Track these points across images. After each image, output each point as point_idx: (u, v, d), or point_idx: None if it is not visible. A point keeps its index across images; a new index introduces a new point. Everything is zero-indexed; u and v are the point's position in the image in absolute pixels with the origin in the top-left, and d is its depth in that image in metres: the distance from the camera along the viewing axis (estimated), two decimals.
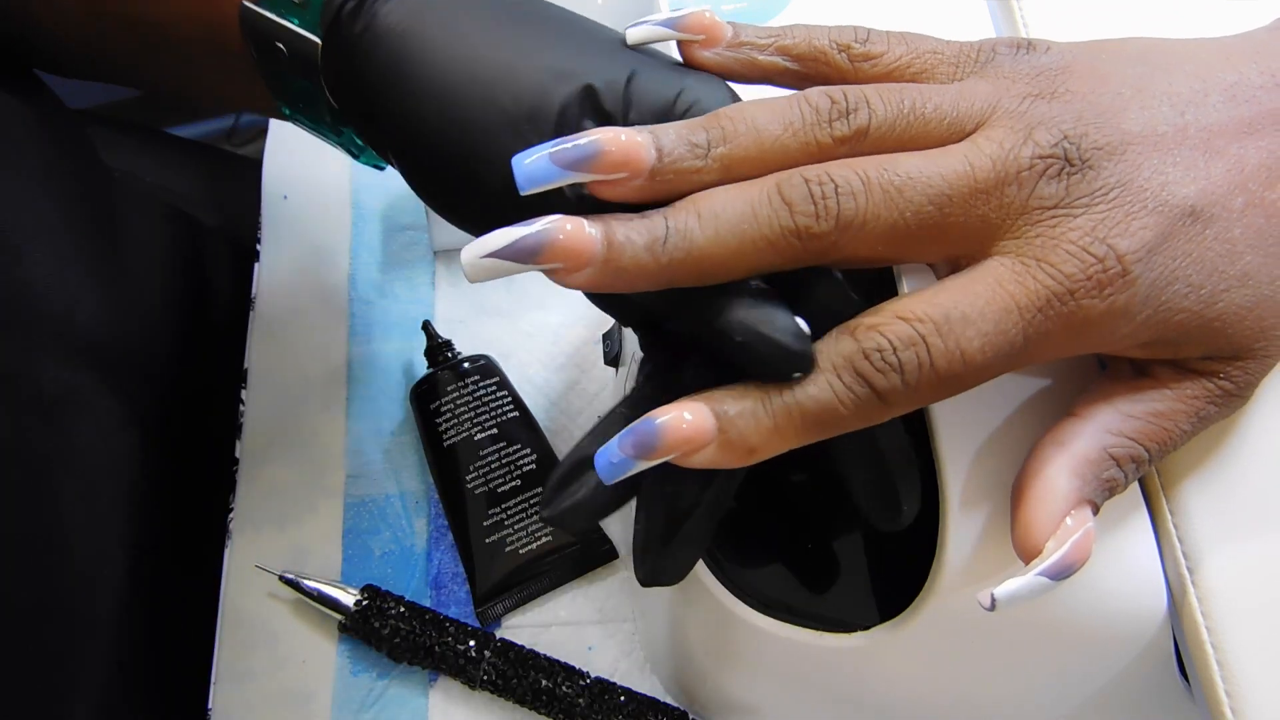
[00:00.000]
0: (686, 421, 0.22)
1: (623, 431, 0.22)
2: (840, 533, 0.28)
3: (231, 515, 0.41)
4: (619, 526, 0.41)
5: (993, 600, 0.21)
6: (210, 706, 0.38)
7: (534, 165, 0.22)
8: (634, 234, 0.22)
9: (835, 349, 0.22)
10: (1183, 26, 0.33)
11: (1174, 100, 0.24)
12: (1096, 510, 0.23)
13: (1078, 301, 0.21)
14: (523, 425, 0.42)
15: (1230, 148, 0.23)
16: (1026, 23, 0.34)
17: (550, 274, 0.22)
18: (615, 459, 0.22)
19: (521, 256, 0.22)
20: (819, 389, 0.21)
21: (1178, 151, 0.23)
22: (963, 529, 0.25)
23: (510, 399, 0.42)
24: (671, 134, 0.23)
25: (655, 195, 0.23)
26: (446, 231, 0.46)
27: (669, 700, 0.37)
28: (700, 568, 0.28)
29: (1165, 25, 0.33)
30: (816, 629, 0.27)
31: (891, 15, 0.58)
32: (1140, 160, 0.23)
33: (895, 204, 0.22)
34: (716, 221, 0.22)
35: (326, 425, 0.44)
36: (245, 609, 0.39)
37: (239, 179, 0.55)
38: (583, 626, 0.39)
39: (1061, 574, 0.22)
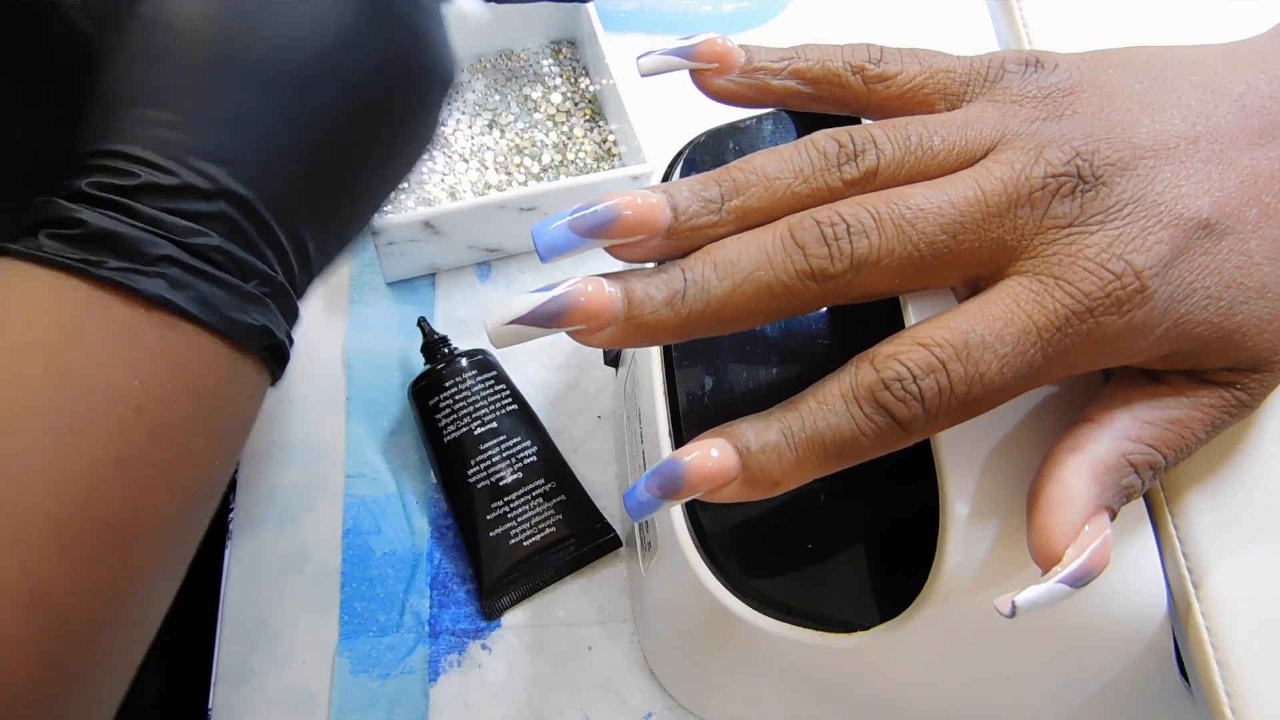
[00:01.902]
0: (712, 460, 0.22)
1: (648, 472, 0.23)
2: (840, 533, 0.28)
3: (231, 515, 0.41)
4: (621, 523, 0.41)
5: (1013, 607, 0.21)
6: (210, 706, 0.38)
7: (554, 234, 0.23)
8: (653, 290, 0.22)
9: (856, 379, 0.22)
10: (1183, 26, 0.33)
11: (1184, 112, 0.24)
12: (1114, 516, 0.23)
13: (1096, 319, 0.21)
14: (522, 418, 0.42)
15: (1242, 159, 0.23)
16: (1027, 23, 0.33)
17: (573, 335, 0.23)
18: (643, 498, 0.23)
19: (545, 321, 0.22)
20: (841, 420, 0.22)
21: (1190, 164, 0.23)
22: (963, 529, 0.25)
23: (509, 392, 0.42)
24: (685, 191, 0.23)
25: (673, 253, 0.23)
26: (397, 265, 0.47)
27: (670, 700, 0.37)
28: (700, 567, 0.28)
29: (1165, 25, 0.33)
30: (816, 629, 0.27)
31: (891, 15, 0.58)
32: (1153, 174, 0.23)
33: (908, 237, 0.22)
34: (733, 270, 0.22)
35: (326, 425, 0.44)
36: (245, 609, 0.39)
37: None
38: (583, 626, 0.39)
39: (1081, 581, 0.22)
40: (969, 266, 0.23)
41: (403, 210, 0.48)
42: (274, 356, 0.27)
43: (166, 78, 0.24)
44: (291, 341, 0.27)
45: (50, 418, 0.22)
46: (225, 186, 0.24)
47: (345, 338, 0.46)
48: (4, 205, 0.25)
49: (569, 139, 0.52)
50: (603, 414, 0.44)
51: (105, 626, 0.24)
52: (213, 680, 0.38)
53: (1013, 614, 0.21)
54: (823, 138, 0.24)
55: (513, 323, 0.22)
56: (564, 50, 0.56)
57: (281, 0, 0.25)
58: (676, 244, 0.23)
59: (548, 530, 0.39)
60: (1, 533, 0.22)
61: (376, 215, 0.31)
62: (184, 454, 0.25)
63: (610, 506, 0.41)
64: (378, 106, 0.27)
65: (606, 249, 0.23)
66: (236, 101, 0.24)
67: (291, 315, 0.27)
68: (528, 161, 0.51)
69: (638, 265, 0.26)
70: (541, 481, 0.40)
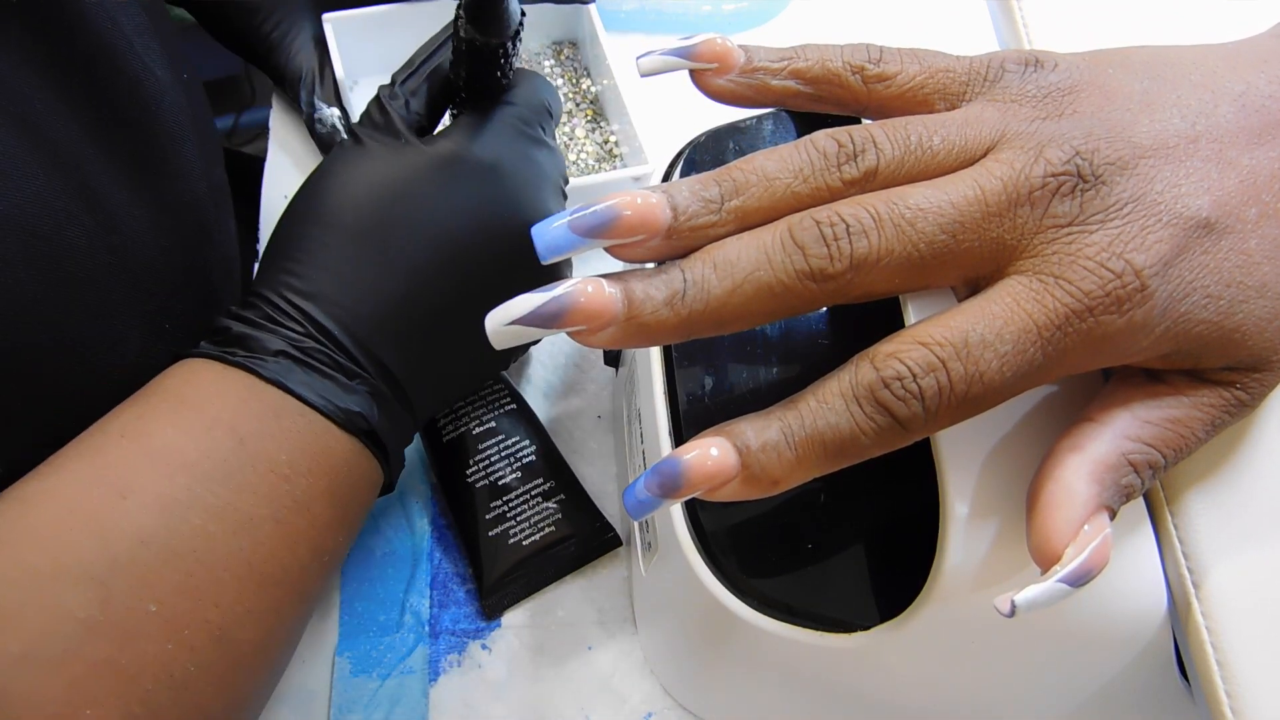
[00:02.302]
0: (711, 459, 0.22)
1: (648, 471, 0.23)
2: (840, 533, 0.28)
3: None
4: (621, 521, 0.41)
5: (1013, 607, 0.21)
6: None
7: (554, 234, 0.23)
8: (653, 290, 0.22)
9: (856, 378, 0.22)
10: (1183, 26, 0.33)
11: (1184, 111, 0.24)
12: (1113, 516, 0.23)
13: (1096, 318, 0.21)
14: (521, 417, 0.42)
15: (1242, 158, 0.23)
16: (1026, 23, 0.33)
17: (573, 335, 0.23)
18: (643, 497, 0.23)
19: (544, 322, 0.22)
20: (841, 419, 0.22)
21: (1190, 163, 0.23)
22: (963, 528, 0.25)
23: (507, 392, 0.42)
24: (685, 191, 0.23)
25: (673, 253, 0.23)
26: None
27: (670, 699, 0.37)
28: (700, 567, 0.28)
29: (1165, 25, 0.33)
30: (816, 629, 0.27)
31: (891, 15, 0.58)
32: (1153, 173, 0.23)
33: (908, 237, 0.22)
34: (733, 270, 0.22)
35: None
36: None
37: (239, 178, 0.55)
38: (583, 626, 0.39)
39: (1081, 580, 0.22)
40: (969, 266, 0.23)
41: None
42: (375, 445, 0.32)
43: (299, 238, 0.33)
44: (397, 451, 0.34)
45: (234, 480, 0.28)
46: (315, 318, 0.31)
47: None
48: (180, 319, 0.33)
49: (570, 140, 0.52)
50: (603, 414, 0.44)
51: (262, 664, 0.29)
52: None
53: (1012, 613, 0.21)
54: (822, 137, 0.24)
55: (513, 323, 0.22)
56: (565, 51, 0.56)
57: (390, 182, 0.33)
58: (676, 244, 0.23)
59: (547, 530, 0.39)
60: (204, 578, 0.26)
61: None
62: (318, 523, 0.30)
63: (610, 506, 0.41)
64: (463, 262, 0.33)
65: (606, 249, 0.23)
66: (343, 261, 0.32)
67: (393, 416, 0.33)
68: None
69: (638, 265, 0.26)
70: (541, 481, 0.40)
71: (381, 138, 0.34)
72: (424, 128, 0.36)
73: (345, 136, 0.35)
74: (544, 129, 0.37)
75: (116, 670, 0.24)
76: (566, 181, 0.39)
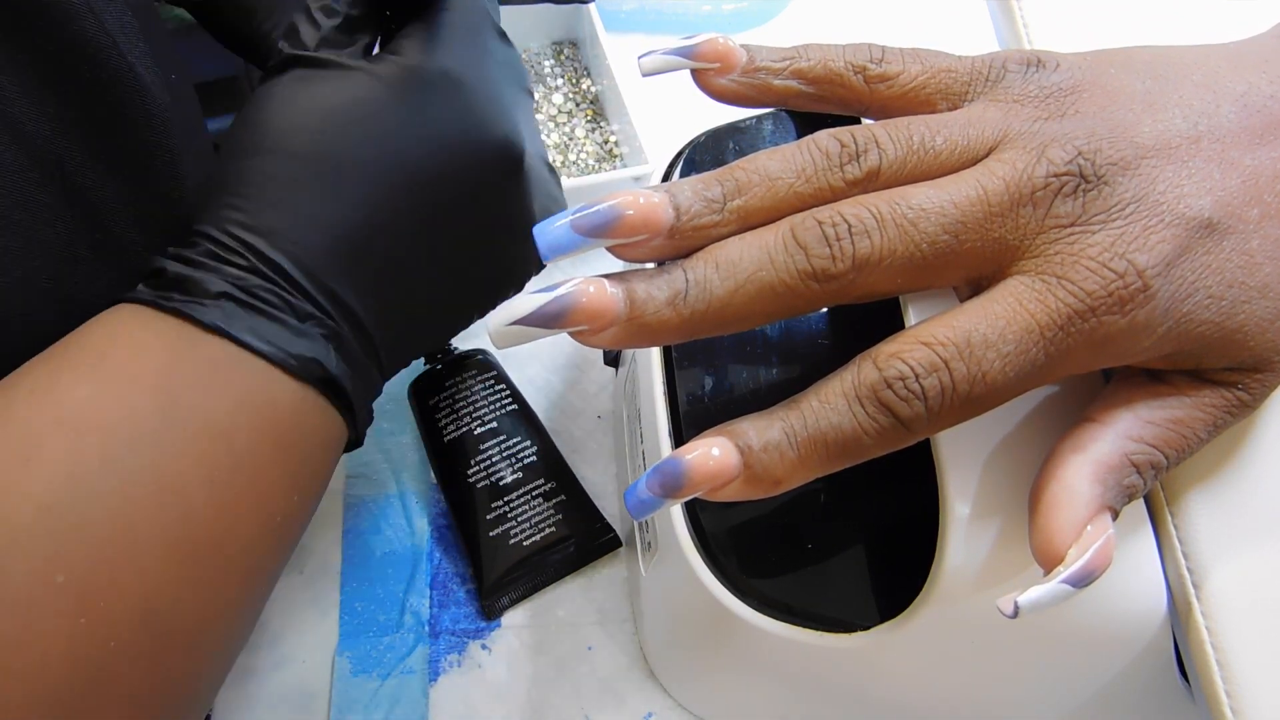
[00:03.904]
0: (713, 459, 0.22)
1: (649, 471, 0.23)
2: (840, 533, 0.28)
3: None
4: (621, 521, 0.41)
5: (1015, 608, 0.21)
6: (210, 706, 0.38)
7: (555, 234, 0.23)
8: (655, 290, 0.22)
9: (859, 378, 0.22)
10: (1183, 26, 0.33)
11: (1186, 111, 0.24)
12: (1116, 516, 0.23)
13: (1099, 318, 0.21)
14: (522, 418, 0.42)
15: (1244, 159, 0.23)
16: (1027, 23, 0.33)
17: (575, 335, 0.23)
18: (644, 497, 0.23)
19: (547, 322, 0.22)
20: (843, 419, 0.22)
21: (1192, 163, 0.23)
22: (963, 529, 0.25)
23: (509, 392, 0.42)
24: (687, 190, 0.23)
25: (675, 252, 0.23)
26: None
27: (671, 699, 0.37)
28: (700, 567, 0.28)
29: (1165, 25, 0.33)
30: (816, 629, 0.27)
31: (891, 15, 0.58)
32: (1155, 174, 0.23)
33: (910, 237, 0.22)
34: (735, 270, 0.22)
35: None
36: None
37: None
38: (583, 626, 0.39)
39: (1084, 581, 0.22)
40: (971, 266, 0.23)
41: None
42: (335, 395, 0.29)
43: (241, 170, 0.29)
44: (361, 401, 0.30)
45: (155, 441, 0.25)
46: (264, 253, 0.28)
47: None
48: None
49: (570, 140, 0.52)
50: (603, 414, 0.44)
51: (198, 646, 0.26)
52: None
53: (1015, 614, 0.21)
54: (825, 137, 0.24)
55: (515, 323, 0.22)
56: (565, 51, 0.56)
57: (338, 107, 0.30)
58: (679, 243, 0.23)
59: (548, 530, 0.39)
60: (121, 548, 0.24)
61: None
62: (262, 485, 0.27)
63: (610, 506, 0.41)
64: (426, 186, 0.31)
65: (608, 248, 0.23)
66: (293, 190, 0.29)
67: (354, 362, 0.30)
68: None
69: (639, 265, 0.26)
70: (541, 481, 0.40)
71: (322, 59, 0.31)
72: (367, 46, 0.33)
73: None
74: (493, 27, 0.34)
75: (19, 648, 0.22)
76: (530, 90, 0.36)
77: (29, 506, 0.23)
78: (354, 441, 0.32)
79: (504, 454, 0.41)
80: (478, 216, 0.33)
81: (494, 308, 0.27)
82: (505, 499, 0.40)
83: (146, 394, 0.25)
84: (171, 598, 0.24)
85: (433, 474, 0.42)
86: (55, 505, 0.23)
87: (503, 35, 0.35)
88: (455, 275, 0.33)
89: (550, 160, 0.37)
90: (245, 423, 0.26)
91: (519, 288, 0.37)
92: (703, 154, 0.35)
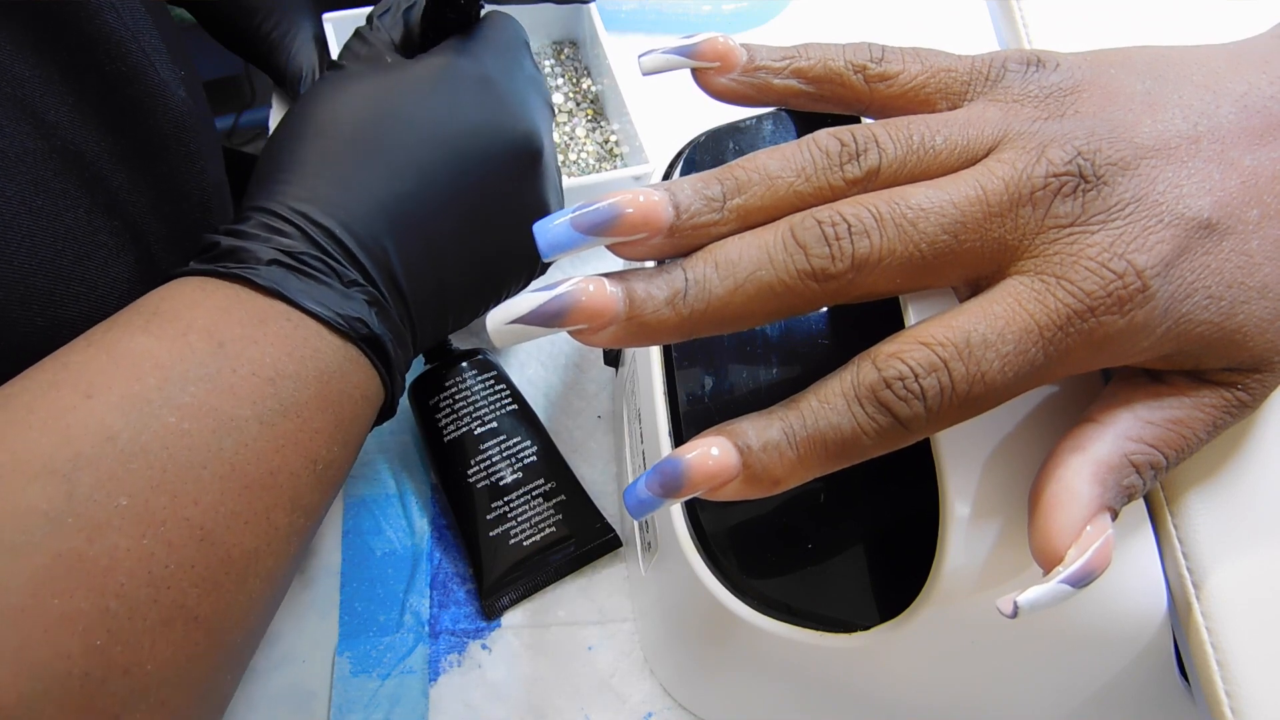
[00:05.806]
0: (712, 458, 0.22)
1: (649, 470, 0.23)
2: (840, 533, 0.28)
3: None
4: (621, 520, 0.41)
5: (1015, 608, 0.21)
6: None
7: (556, 231, 0.23)
8: (654, 289, 0.22)
9: (858, 378, 0.22)
10: (1183, 26, 0.33)
11: (1186, 112, 0.24)
12: (1115, 516, 0.23)
13: (1098, 318, 0.21)
14: (522, 418, 0.42)
15: (1244, 159, 0.23)
16: (1027, 23, 0.33)
17: (575, 334, 0.23)
18: (643, 496, 0.23)
19: (546, 320, 0.22)
20: (842, 419, 0.22)
21: (1191, 164, 0.23)
22: (963, 529, 0.25)
23: (509, 392, 0.42)
24: (687, 189, 0.23)
25: (674, 251, 0.23)
26: None
27: (670, 699, 0.36)
28: (700, 567, 0.28)
29: (1165, 25, 0.33)
30: (816, 629, 0.27)
31: (891, 15, 0.58)
32: (1154, 174, 0.23)
33: (909, 237, 0.22)
34: (734, 270, 0.22)
35: None
36: None
37: (239, 177, 0.55)
38: (582, 626, 0.39)
39: (1083, 581, 0.22)
40: (970, 266, 0.23)
41: None
42: (378, 354, 0.31)
43: (292, 152, 0.32)
44: (399, 363, 0.32)
45: (211, 381, 0.27)
46: (314, 218, 0.30)
47: None
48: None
49: (571, 139, 0.52)
50: (603, 414, 0.44)
51: (254, 577, 0.27)
52: None
53: (1015, 614, 0.21)
54: (825, 136, 0.24)
55: (514, 322, 0.22)
56: (565, 50, 0.56)
57: (381, 95, 0.33)
58: (678, 242, 0.23)
59: (548, 530, 0.39)
60: (179, 475, 0.25)
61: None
62: (307, 430, 0.29)
63: (610, 506, 0.41)
64: (463, 161, 0.33)
65: (608, 247, 0.23)
66: (342, 164, 0.32)
67: (393, 327, 0.32)
68: None
69: (639, 264, 0.26)
70: (541, 481, 0.40)
71: (368, 62, 0.34)
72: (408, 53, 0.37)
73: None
74: (525, 47, 0.38)
75: (86, 562, 0.23)
76: (552, 107, 0.39)
77: (93, 436, 0.24)
78: (388, 408, 0.33)
79: (504, 454, 0.41)
80: (502, 202, 0.35)
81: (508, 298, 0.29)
82: (505, 499, 0.40)
83: (200, 339, 0.27)
84: (226, 525, 0.26)
85: (433, 474, 0.42)
86: (118, 435, 0.25)
87: (532, 59, 0.38)
88: (481, 256, 0.35)
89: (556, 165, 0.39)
90: (293, 371, 0.28)
91: (530, 281, 0.37)
92: (703, 154, 0.35)
